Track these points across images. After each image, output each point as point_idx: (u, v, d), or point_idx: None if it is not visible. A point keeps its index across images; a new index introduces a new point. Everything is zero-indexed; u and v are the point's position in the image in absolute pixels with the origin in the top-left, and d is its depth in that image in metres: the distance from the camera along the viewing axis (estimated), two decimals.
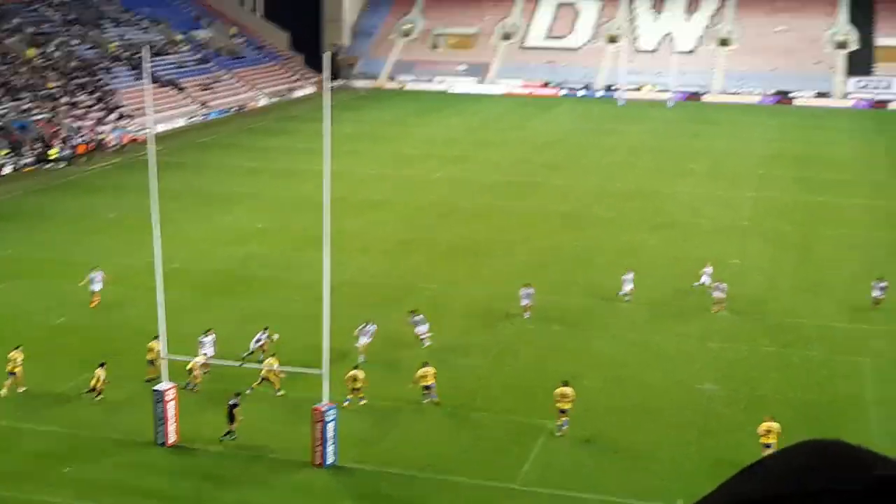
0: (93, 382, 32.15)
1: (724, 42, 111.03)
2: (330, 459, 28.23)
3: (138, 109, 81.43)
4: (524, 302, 39.45)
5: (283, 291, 42.59)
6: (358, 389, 31.83)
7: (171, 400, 29.48)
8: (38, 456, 29.12)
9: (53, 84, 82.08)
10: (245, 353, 34.40)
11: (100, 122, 79.51)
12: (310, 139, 75.53)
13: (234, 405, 29.58)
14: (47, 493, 27.12)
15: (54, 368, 34.71)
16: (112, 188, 62.58)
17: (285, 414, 31.30)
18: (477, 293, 42.51)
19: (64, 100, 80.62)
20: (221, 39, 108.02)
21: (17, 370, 32.82)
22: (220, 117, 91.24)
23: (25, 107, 76.96)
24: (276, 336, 35.07)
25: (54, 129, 74.76)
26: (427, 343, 36.26)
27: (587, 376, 33.74)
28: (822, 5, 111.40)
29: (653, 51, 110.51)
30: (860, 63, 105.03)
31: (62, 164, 69.85)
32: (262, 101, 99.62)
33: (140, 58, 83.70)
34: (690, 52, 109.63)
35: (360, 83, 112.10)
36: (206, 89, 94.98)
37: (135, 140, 77.04)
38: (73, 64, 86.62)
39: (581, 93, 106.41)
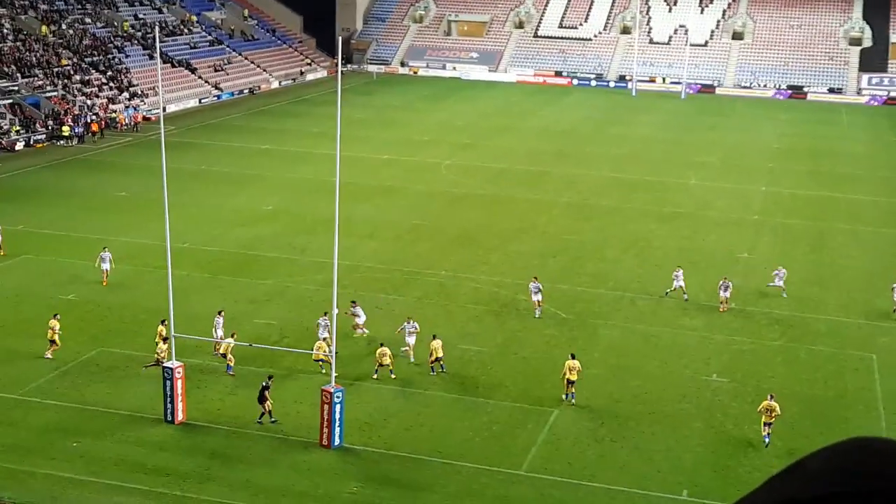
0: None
1: (737, 35, 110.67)
2: (337, 441, 28.38)
3: (150, 89, 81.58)
4: (536, 297, 38.53)
5: (292, 274, 42.69)
6: (386, 365, 32.33)
7: (180, 378, 29.63)
8: (45, 430, 29.30)
9: (66, 61, 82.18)
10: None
11: (112, 100, 79.63)
12: (321, 123, 75.62)
13: (266, 387, 29.55)
14: (55, 466, 27.31)
15: (64, 344, 34.84)
16: (123, 167, 62.72)
17: (294, 395, 31.43)
18: (485, 280, 42.58)
19: (76, 77, 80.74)
20: (235, 21, 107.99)
21: (55, 337, 33.49)
22: (231, 99, 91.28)
23: (38, 83, 77.11)
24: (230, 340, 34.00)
25: (67, 107, 74.88)
26: (361, 332, 35.58)
27: (593, 365, 33.81)
28: (837, 1, 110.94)
29: (666, 42, 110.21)
30: (874, 59, 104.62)
31: (74, 142, 70.00)
32: (274, 84, 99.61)
33: (153, 37, 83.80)
34: (704, 44, 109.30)
35: (371, 68, 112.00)
36: (218, 70, 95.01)
37: (147, 119, 77.17)
38: (86, 42, 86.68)
39: (593, 83, 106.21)
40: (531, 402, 31.65)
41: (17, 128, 70.12)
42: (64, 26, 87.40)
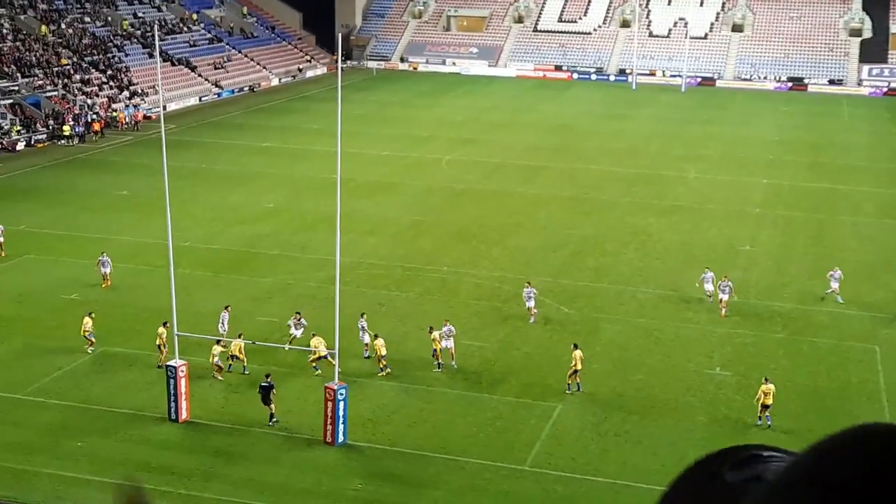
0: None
1: (737, 28, 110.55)
2: (341, 438, 28.43)
3: (151, 87, 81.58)
4: (529, 304, 37.61)
5: (293, 271, 42.73)
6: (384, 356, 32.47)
7: (183, 376, 29.68)
8: (50, 429, 29.38)
9: (66, 61, 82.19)
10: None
11: (112, 99, 79.64)
12: (321, 119, 75.62)
13: (269, 387, 29.50)
14: (59, 466, 27.38)
15: (67, 344, 34.93)
16: (124, 166, 62.75)
17: (297, 392, 31.48)
18: (486, 276, 42.60)
19: (76, 77, 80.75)
20: (234, 18, 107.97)
21: (86, 333, 34.05)
22: (231, 96, 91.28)
23: (38, 83, 77.13)
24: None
25: (67, 106, 74.91)
26: (293, 334, 34.77)
27: (595, 360, 33.85)
28: None
29: (666, 36, 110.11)
30: (874, 50, 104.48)
31: (75, 141, 70.03)
32: (274, 81, 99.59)
33: (153, 36, 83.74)
34: (704, 37, 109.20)
35: (371, 64, 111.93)
36: (218, 68, 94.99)
37: (147, 118, 77.19)
38: (85, 41, 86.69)
39: (593, 77, 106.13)
40: (534, 397, 31.69)
41: (18, 128, 70.16)
42: (63, 26, 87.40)
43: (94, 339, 34.21)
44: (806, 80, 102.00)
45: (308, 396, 30.85)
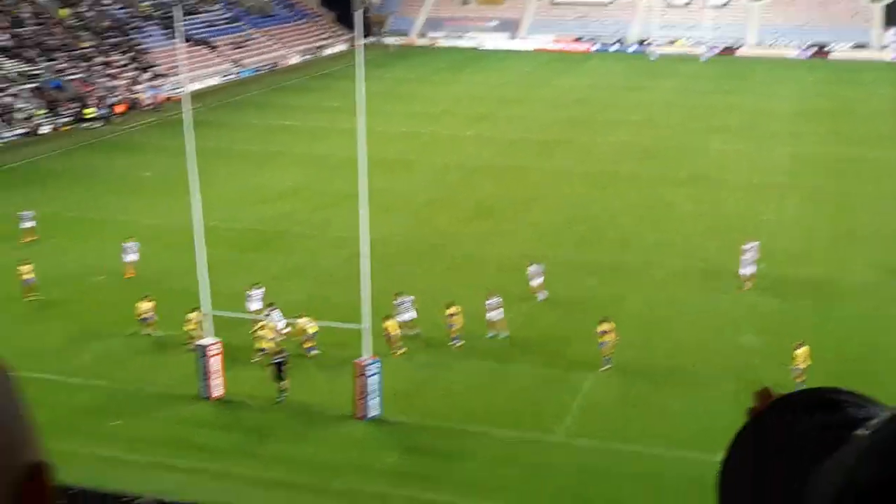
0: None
1: None
2: (372, 413, 28.70)
3: (172, 68, 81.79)
4: (536, 281, 36.99)
5: (316, 249, 42.96)
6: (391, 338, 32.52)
7: (215, 355, 30.00)
8: (86, 410, 29.80)
9: (87, 44, 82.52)
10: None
11: (134, 81, 79.97)
12: (341, 97, 75.51)
13: (282, 362, 29.85)
14: (96, 446, 27.79)
15: (97, 326, 35.35)
16: (148, 147, 63.09)
17: (327, 368, 31.77)
18: (506, 251, 42.60)
19: (98, 59, 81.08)
20: None
21: (145, 315, 34.06)
22: (252, 75, 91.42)
23: (60, 67, 77.51)
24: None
25: (89, 89, 75.29)
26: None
27: (622, 330, 33.85)
28: None
29: (686, 4, 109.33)
30: None
31: (99, 124, 70.42)
32: (294, 60, 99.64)
33: (171, 17, 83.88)
34: (724, 5, 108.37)
35: (390, 40, 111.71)
36: (238, 48, 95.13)
37: (169, 99, 77.44)
38: (105, 23, 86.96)
39: (613, 48, 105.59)
40: (564, 368, 31.86)
41: (43, 112, 70.60)
42: (83, 7, 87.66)
43: (153, 321, 34.07)
44: (828, 47, 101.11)
45: (337, 372, 31.10)
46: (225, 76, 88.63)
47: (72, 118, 70.92)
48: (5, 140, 65.41)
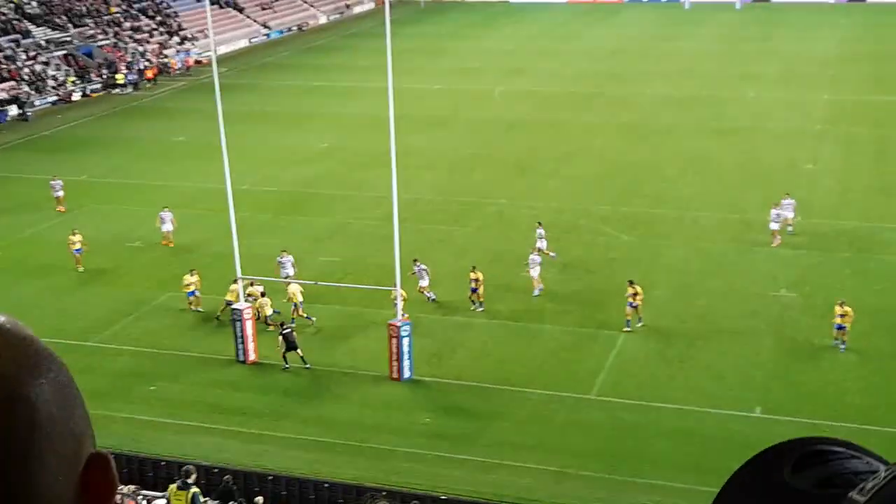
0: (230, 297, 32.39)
1: None
2: (406, 374, 28.71)
3: (200, 32, 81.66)
4: (534, 272, 34.30)
5: (352, 210, 42.87)
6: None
7: (249, 319, 30.09)
8: (123, 375, 30.06)
9: (115, 9, 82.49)
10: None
11: (163, 46, 79.95)
12: (370, 56, 75.11)
13: (290, 331, 29.81)
14: (134, 410, 28.05)
15: (133, 290, 35.58)
16: (178, 112, 63.15)
17: (361, 329, 31.77)
18: (543, 206, 42.28)
19: (127, 25, 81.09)
20: None
21: (191, 288, 33.45)
22: (281, 37, 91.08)
23: (90, 33, 77.61)
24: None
25: (119, 55, 75.37)
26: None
27: (658, 286, 33.61)
28: None
29: None
30: None
31: (129, 89, 70.56)
32: (322, 20, 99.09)
33: None
34: None
35: None
36: (266, 9, 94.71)
37: (199, 63, 77.39)
38: None
39: None
40: (597, 325, 31.64)
41: (73, 78, 70.83)
42: None
43: (198, 298, 33.47)
44: None
45: (371, 334, 31.10)
46: (253, 38, 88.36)
47: (102, 84, 71.10)
48: (37, 107, 65.74)
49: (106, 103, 67.37)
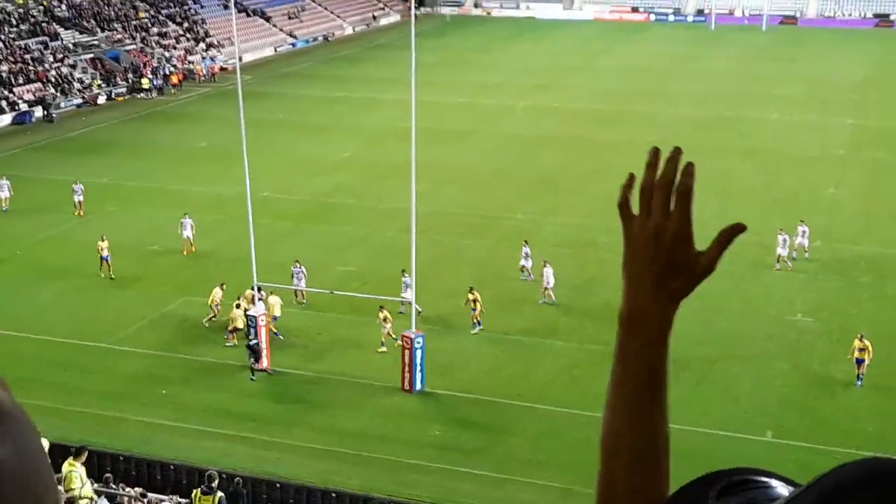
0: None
1: None
2: (419, 385, 28.67)
3: (226, 39, 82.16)
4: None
5: (372, 221, 42.91)
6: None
7: (263, 326, 30.13)
8: (135, 377, 30.13)
9: (143, 14, 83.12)
10: None
11: (189, 52, 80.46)
12: (394, 68, 75.36)
13: (256, 345, 29.80)
14: (145, 413, 28.11)
15: (150, 294, 35.71)
16: (202, 118, 63.48)
17: (375, 340, 31.74)
18: (564, 223, 42.28)
19: (154, 30, 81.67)
20: None
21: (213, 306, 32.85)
22: (306, 46, 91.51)
23: (117, 37, 78.22)
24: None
25: (145, 60, 75.89)
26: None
27: None
28: None
29: None
30: None
31: (154, 94, 71.03)
32: (348, 30, 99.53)
33: None
34: None
35: (445, 10, 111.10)
36: (292, 18, 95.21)
37: (224, 69, 77.84)
38: None
39: (671, 18, 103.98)
40: (612, 345, 31.39)
41: (99, 82, 71.37)
42: None
43: (218, 310, 32.74)
44: (892, 17, 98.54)
45: (385, 345, 31.07)
46: (279, 47, 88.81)
47: (127, 88, 71.60)
48: (62, 109, 66.26)
49: (130, 107, 67.82)
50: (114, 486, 21.77)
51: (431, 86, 66.69)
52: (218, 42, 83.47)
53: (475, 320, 32.47)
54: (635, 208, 1.85)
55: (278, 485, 24.48)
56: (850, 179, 48.38)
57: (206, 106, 67.09)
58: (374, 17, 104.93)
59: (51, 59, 71.96)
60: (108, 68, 73.47)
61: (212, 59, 79.59)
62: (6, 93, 65.37)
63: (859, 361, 28.58)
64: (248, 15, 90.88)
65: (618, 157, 52.50)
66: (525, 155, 53.33)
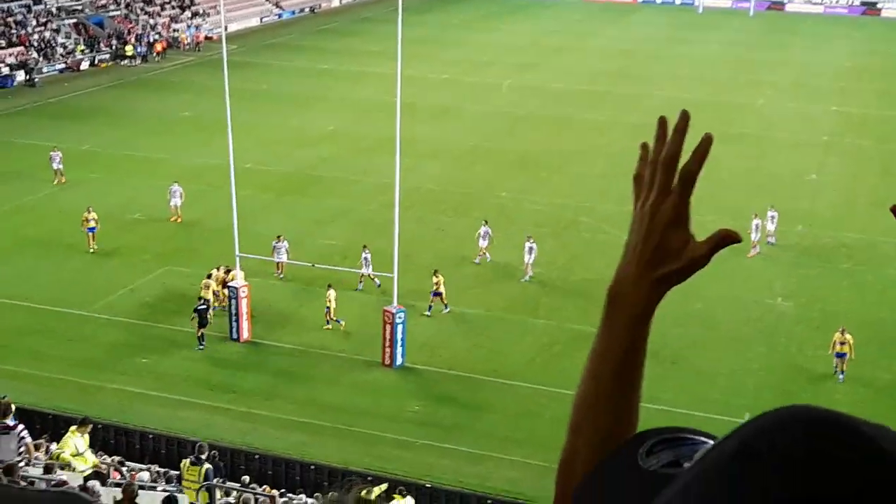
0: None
1: None
2: (399, 360, 28.70)
3: (212, 8, 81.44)
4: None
5: (354, 194, 42.81)
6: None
7: (245, 297, 30.06)
8: (115, 346, 30.04)
9: None
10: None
11: (174, 20, 79.77)
12: (381, 41, 74.95)
13: (205, 308, 29.75)
14: (124, 381, 28.05)
15: (131, 262, 35.56)
16: (186, 87, 63.01)
17: (355, 314, 31.74)
18: (546, 202, 42.30)
19: None
20: None
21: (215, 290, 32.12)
22: (292, 17, 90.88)
23: (102, 3, 77.41)
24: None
25: (130, 26, 75.20)
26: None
27: None
28: None
29: None
30: None
31: (137, 61, 70.43)
32: (335, 2, 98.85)
33: None
34: None
35: None
36: None
37: (208, 39, 77.20)
38: None
39: (659, 0, 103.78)
40: (592, 324, 31.38)
41: (82, 47, 70.68)
42: None
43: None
44: (880, 5, 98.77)
45: (366, 319, 31.08)
46: (265, 17, 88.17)
47: (111, 55, 70.96)
48: (45, 74, 65.63)
49: (114, 74, 67.25)
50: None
51: (419, 61, 66.38)
52: (203, 11, 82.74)
53: (443, 303, 31.90)
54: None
55: (257, 456, 24.52)
56: (833, 166, 48.60)
57: (189, 75, 66.57)
58: None
59: (34, 22, 71.18)
60: (92, 34, 72.74)
61: (196, 27, 78.87)
62: None
63: (840, 355, 28.50)
64: None
65: (601, 137, 52.59)
66: (508, 133, 53.27)
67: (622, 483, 1.23)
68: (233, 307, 30.21)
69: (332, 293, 30.68)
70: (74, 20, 73.43)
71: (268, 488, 21.72)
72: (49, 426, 24.91)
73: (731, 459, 1.03)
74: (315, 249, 35.86)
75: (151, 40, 73.63)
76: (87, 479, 16.70)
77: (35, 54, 67.48)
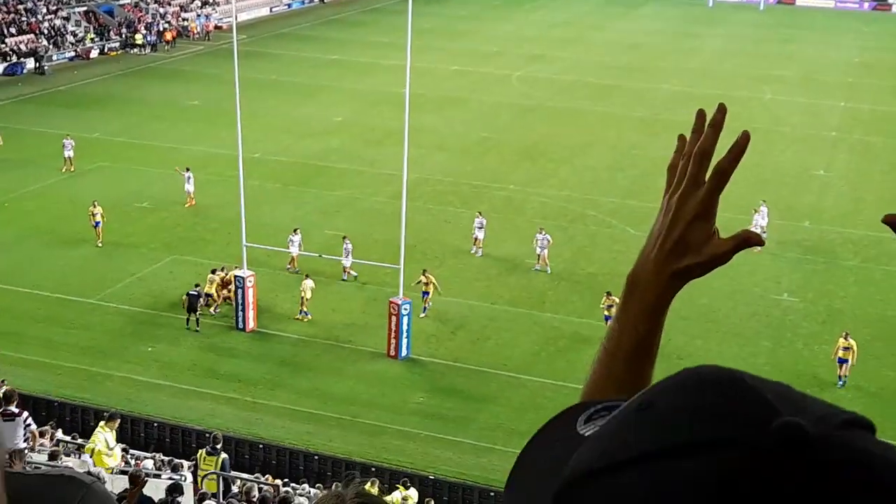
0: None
1: None
2: (404, 352, 28.77)
3: None
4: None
5: (361, 185, 42.86)
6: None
7: (251, 287, 30.16)
8: (121, 334, 30.16)
9: None
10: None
11: (184, 8, 79.82)
12: (390, 32, 74.97)
13: (196, 296, 29.92)
14: (130, 370, 28.18)
15: (138, 251, 35.67)
16: (195, 76, 63.07)
17: (361, 306, 31.83)
18: (552, 194, 42.31)
19: None
20: None
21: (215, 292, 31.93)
22: (302, 8, 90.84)
23: None
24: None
25: (140, 15, 75.28)
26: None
27: None
28: None
29: None
30: None
31: (147, 50, 70.51)
32: None
33: None
34: None
35: None
36: None
37: (218, 28, 77.25)
38: None
39: None
40: (598, 318, 31.59)
41: (92, 35, 70.80)
42: None
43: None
44: (890, 0, 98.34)
45: (371, 310, 31.16)
46: (275, 7, 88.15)
47: (120, 43, 71.06)
48: (55, 62, 65.76)
49: (123, 62, 67.34)
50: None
51: (428, 52, 66.36)
52: (213, 0, 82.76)
53: (425, 304, 31.27)
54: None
55: (261, 446, 24.64)
56: (841, 162, 48.50)
57: (199, 64, 66.63)
58: None
59: (44, 10, 71.30)
60: (102, 22, 72.85)
61: (206, 16, 78.91)
62: None
63: (842, 361, 28.21)
64: None
65: (609, 130, 52.54)
66: (516, 124, 53.25)
67: (557, 448, 1.26)
68: (239, 297, 30.30)
69: (308, 283, 30.67)
70: (84, 8, 73.52)
71: (270, 477, 21.85)
72: (55, 414, 25.08)
73: (632, 412, 1.09)
74: (322, 240, 35.91)
75: (161, 29, 73.70)
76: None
77: (45, 42, 67.61)
